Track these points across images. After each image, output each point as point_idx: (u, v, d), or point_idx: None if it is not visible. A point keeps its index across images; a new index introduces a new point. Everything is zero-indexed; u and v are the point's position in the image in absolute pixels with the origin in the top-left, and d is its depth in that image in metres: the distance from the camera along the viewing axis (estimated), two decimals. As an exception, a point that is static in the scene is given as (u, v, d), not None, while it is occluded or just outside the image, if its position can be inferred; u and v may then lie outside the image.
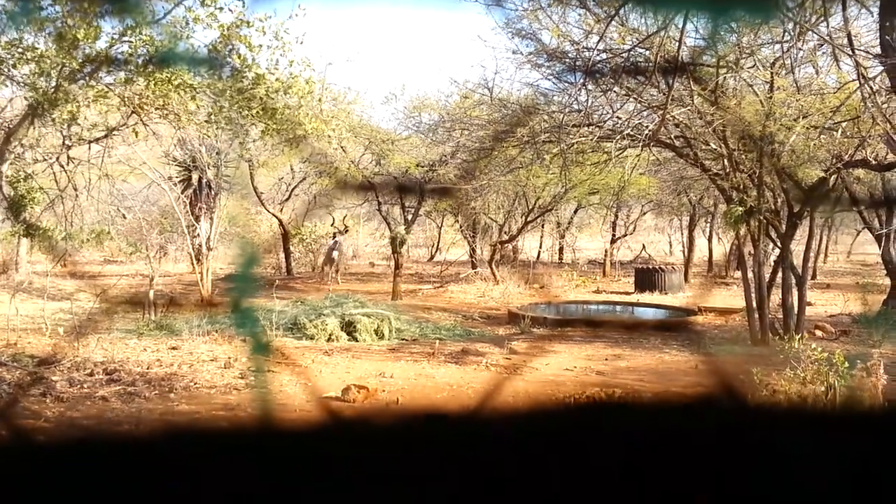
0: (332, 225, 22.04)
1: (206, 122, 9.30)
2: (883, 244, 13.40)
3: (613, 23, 8.63)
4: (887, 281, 14.04)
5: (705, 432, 0.63)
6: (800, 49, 8.95)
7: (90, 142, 9.47)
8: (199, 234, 17.37)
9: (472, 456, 0.62)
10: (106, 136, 9.40)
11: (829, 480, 0.58)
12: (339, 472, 0.60)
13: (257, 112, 8.36)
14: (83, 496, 0.55)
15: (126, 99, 8.36)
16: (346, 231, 21.29)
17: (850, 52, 7.50)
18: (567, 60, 9.65)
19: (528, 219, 21.27)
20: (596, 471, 0.60)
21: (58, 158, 9.32)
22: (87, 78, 7.69)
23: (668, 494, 0.58)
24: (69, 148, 9.21)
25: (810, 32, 8.35)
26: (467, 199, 19.00)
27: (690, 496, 0.58)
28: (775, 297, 10.86)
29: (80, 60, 7.29)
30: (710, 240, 25.35)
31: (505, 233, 21.96)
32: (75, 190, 10.42)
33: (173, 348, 9.50)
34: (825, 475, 0.59)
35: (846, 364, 6.72)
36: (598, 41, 8.68)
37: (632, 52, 8.90)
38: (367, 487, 0.58)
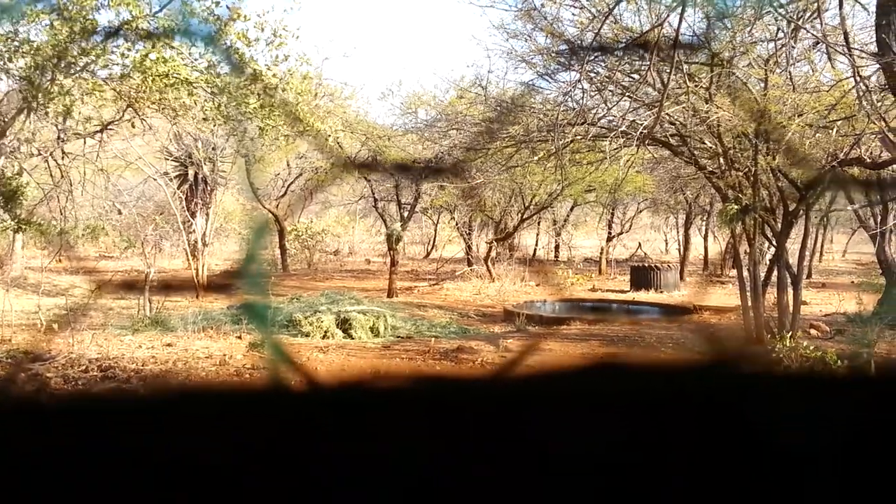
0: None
1: (203, 119, 9.26)
2: (878, 243, 13.42)
3: (608, 21, 8.64)
4: (882, 280, 14.07)
5: (705, 393, 0.64)
6: (794, 47, 8.96)
7: (85, 136, 9.44)
8: (194, 230, 17.38)
9: (469, 410, 0.63)
10: (101, 131, 9.37)
11: (819, 440, 0.59)
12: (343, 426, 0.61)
13: (255, 108, 8.34)
14: (90, 454, 0.55)
15: (121, 93, 8.35)
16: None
17: (846, 51, 7.52)
18: (562, 59, 9.65)
19: (524, 216, 21.29)
20: (590, 431, 0.61)
21: (52, 153, 9.29)
22: (82, 71, 7.67)
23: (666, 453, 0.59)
24: (64, 142, 9.18)
25: (805, 30, 8.37)
26: (464, 196, 19.03)
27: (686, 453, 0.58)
28: (770, 295, 10.87)
29: (76, 53, 7.26)
30: (705, 238, 25.40)
31: (501, 230, 21.97)
32: (70, 185, 10.38)
33: (168, 345, 9.47)
34: (816, 436, 0.59)
35: (839, 363, 6.75)
36: (594, 39, 8.69)
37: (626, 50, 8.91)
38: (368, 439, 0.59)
